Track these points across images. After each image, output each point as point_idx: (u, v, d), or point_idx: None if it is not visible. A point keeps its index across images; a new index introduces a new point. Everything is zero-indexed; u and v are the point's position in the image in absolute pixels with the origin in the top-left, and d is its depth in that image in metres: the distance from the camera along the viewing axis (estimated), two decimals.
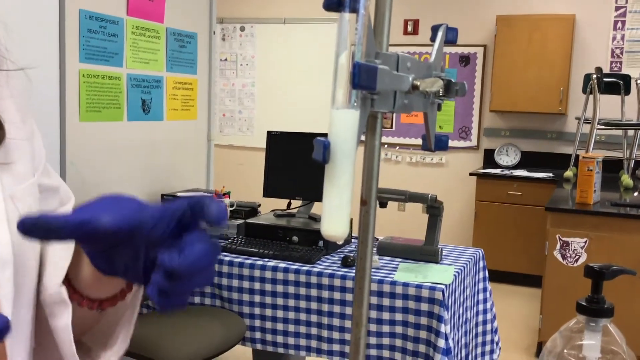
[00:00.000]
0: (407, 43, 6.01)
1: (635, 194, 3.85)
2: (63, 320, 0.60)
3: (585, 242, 3.50)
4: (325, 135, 0.43)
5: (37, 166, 0.67)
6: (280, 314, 2.60)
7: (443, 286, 2.38)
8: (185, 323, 2.51)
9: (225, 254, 2.72)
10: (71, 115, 2.60)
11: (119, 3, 2.85)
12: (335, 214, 0.40)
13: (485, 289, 3.00)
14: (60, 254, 0.62)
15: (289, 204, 3.06)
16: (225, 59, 6.56)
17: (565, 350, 0.74)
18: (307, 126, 5.90)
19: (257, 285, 2.62)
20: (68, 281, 0.62)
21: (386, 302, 2.45)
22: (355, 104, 0.42)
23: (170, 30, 3.17)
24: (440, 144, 0.48)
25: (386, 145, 6.17)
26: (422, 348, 2.40)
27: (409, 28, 6.00)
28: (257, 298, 2.63)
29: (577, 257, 3.53)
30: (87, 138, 2.69)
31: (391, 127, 6.12)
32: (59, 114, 2.54)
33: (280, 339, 2.61)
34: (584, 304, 0.75)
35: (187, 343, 2.38)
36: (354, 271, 2.45)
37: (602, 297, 0.74)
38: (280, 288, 2.60)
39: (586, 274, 0.75)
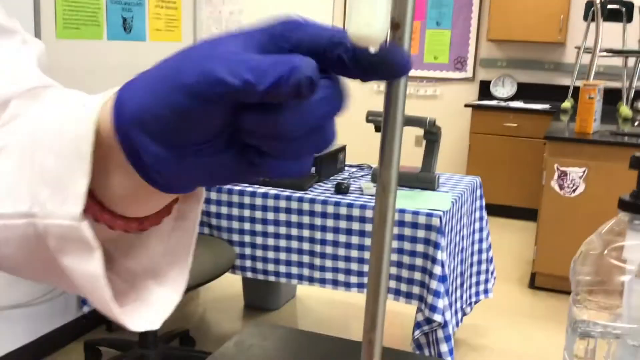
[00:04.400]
0: None
1: (636, 123, 3.75)
2: (88, 267, 0.37)
3: (584, 172, 3.41)
4: None
5: None
6: (271, 242, 2.52)
7: (441, 212, 2.29)
8: None
9: None
10: (47, 31, 2.43)
11: None
12: (369, 3, 0.29)
13: (481, 218, 2.93)
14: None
15: None
16: None
17: (605, 252, 0.64)
18: None
19: (247, 213, 2.53)
20: (90, 193, 0.37)
21: None
22: None
23: None
24: None
25: None
26: (417, 275, 2.33)
27: None
28: (247, 226, 2.53)
29: (574, 187, 3.45)
30: (65, 56, 2.53)
31: None
32: (34, 30, 2.37)
33: (271, 267, 2.54)
34: (628, 199, 0.64)
35: None
36: (347, 198, 2.36)
37: None
38: (271, 215, 2.50)
39: (632, 165, 0.64)
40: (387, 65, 0.32)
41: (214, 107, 0.31)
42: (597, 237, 0.65)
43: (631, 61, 4.62)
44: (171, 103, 0.31)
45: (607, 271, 0.64)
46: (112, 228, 0.39)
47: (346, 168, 2.92)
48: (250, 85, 0.30)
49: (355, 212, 2.39)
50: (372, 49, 0.30)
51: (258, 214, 2.51)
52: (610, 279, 0.64)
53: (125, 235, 0.42)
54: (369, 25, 0.29)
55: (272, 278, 2.56)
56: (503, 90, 5.61)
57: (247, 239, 2.54)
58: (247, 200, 2.52)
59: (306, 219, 2.46)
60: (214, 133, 0.33)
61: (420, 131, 2.61)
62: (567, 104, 4.70)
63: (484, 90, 5.69)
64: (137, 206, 0.39)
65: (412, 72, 5.75)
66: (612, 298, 0.63)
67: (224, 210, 2.55)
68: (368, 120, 2.52)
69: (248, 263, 2.56)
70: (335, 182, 2.58)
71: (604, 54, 4.08)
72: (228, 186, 2.54)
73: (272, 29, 0.33)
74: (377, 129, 2.55)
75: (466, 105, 5.41)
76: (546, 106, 5.17)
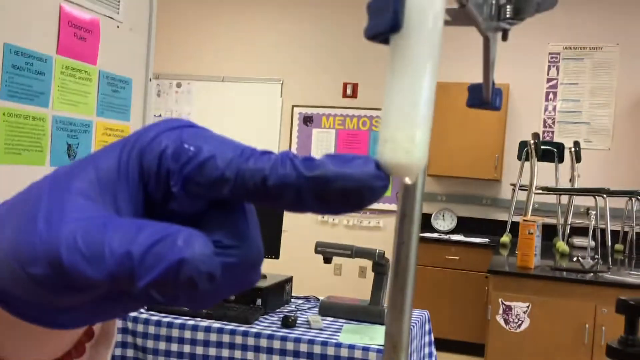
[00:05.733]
0: (346, 105, 6.01)
1: (574, 259, 3.85)
2: None
3: (528, 307, 3.42)
4: None
5: None
6: None
7: None
8: None
9: (151, 313, 2.46)
10: None
11: (48, 40, 2.66)
12: (407, 123, 0.23)
13: (430, 354, 2.85)
14: None
15: None
16: (160, 115, 6.37)
17: None
18: None
19: (186, 349, 2.38)
20: None
21: None
22: None
23: (103, 74, 2.99)
24: (496, 99, 0.34)
25: None
26: None
27: (348, 91, 6.02)
28: None
29: (520, 322, 3.44)
30: (3, 181, 2.44)
31: None
32: None
33: None
34: (616, 346, 0.60)
35: None
36: (294, 332, 2.26)
37: (638, 338, 0.60)
38: (213, 351, 2.36)
39: (618, 309, 0.61)
40: (361, 189, 0.23)
41: (77, 294, 0.25)
42: None
43: (564, 198, 4.83)
44: (27, 291, 0.24)
45: None
46: None
47: (292, 300, 2.83)
48: (119, 280, 0.23)
49: (303, 347, 2.28)
50: (408, 180, 0.25)
51: (199, 350, 2.37)
52: None
53: None
54: (406, 153, 0.23)
55: None
56: (444, 223, 5.72)
57: None
58: (187, 334, 2.38)
59: (250, 355, 2.33)
60: (89, 299, 0.26)
61: (364, 262, 2.58)
62: (505, 238, 4.81)
63: (426, 223, 5.79)
64: (31, 347, 0.30)
65: None
66: None
67: (162, 345, 2.39)
68: (317, 252, 2.48)
69: None
70: (281, 315, 2.49)
71: (540, 191, 4.25)
72: (168, 319, 2.41)
73: (150, 156, 0.25)
74: (326, 261, 2.51)
75: None
76: (485, 240, 5.28)
